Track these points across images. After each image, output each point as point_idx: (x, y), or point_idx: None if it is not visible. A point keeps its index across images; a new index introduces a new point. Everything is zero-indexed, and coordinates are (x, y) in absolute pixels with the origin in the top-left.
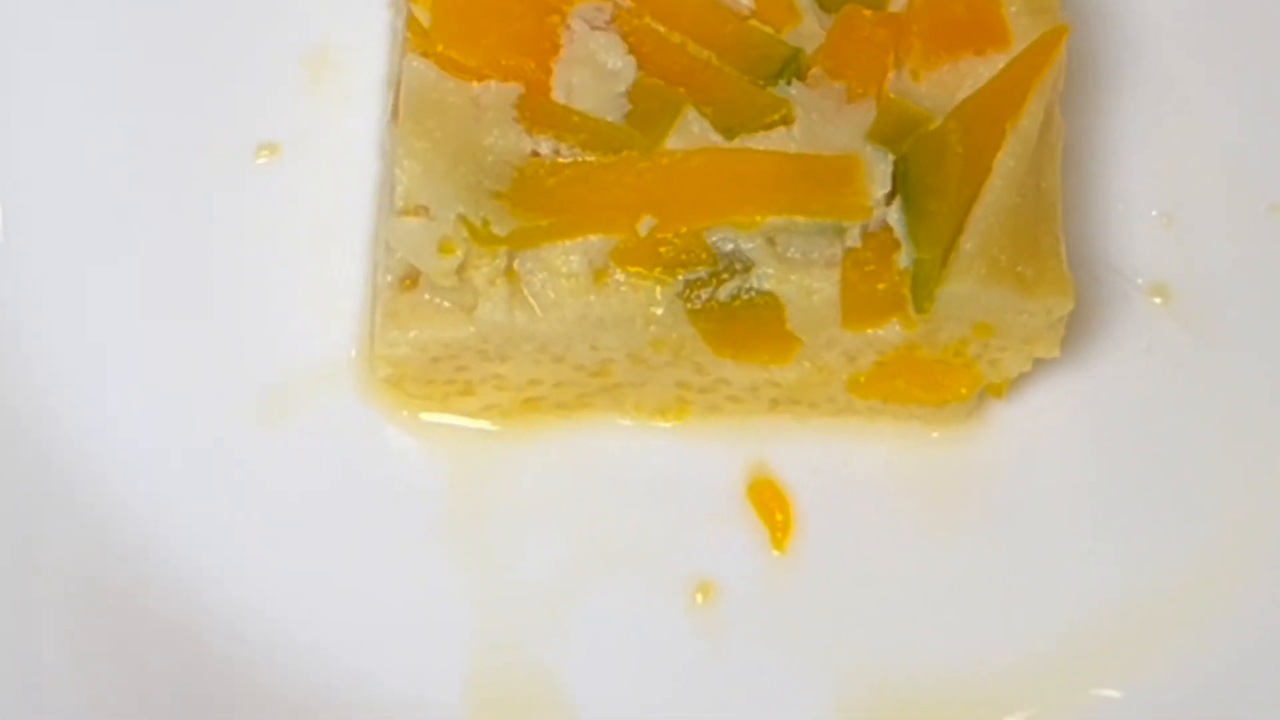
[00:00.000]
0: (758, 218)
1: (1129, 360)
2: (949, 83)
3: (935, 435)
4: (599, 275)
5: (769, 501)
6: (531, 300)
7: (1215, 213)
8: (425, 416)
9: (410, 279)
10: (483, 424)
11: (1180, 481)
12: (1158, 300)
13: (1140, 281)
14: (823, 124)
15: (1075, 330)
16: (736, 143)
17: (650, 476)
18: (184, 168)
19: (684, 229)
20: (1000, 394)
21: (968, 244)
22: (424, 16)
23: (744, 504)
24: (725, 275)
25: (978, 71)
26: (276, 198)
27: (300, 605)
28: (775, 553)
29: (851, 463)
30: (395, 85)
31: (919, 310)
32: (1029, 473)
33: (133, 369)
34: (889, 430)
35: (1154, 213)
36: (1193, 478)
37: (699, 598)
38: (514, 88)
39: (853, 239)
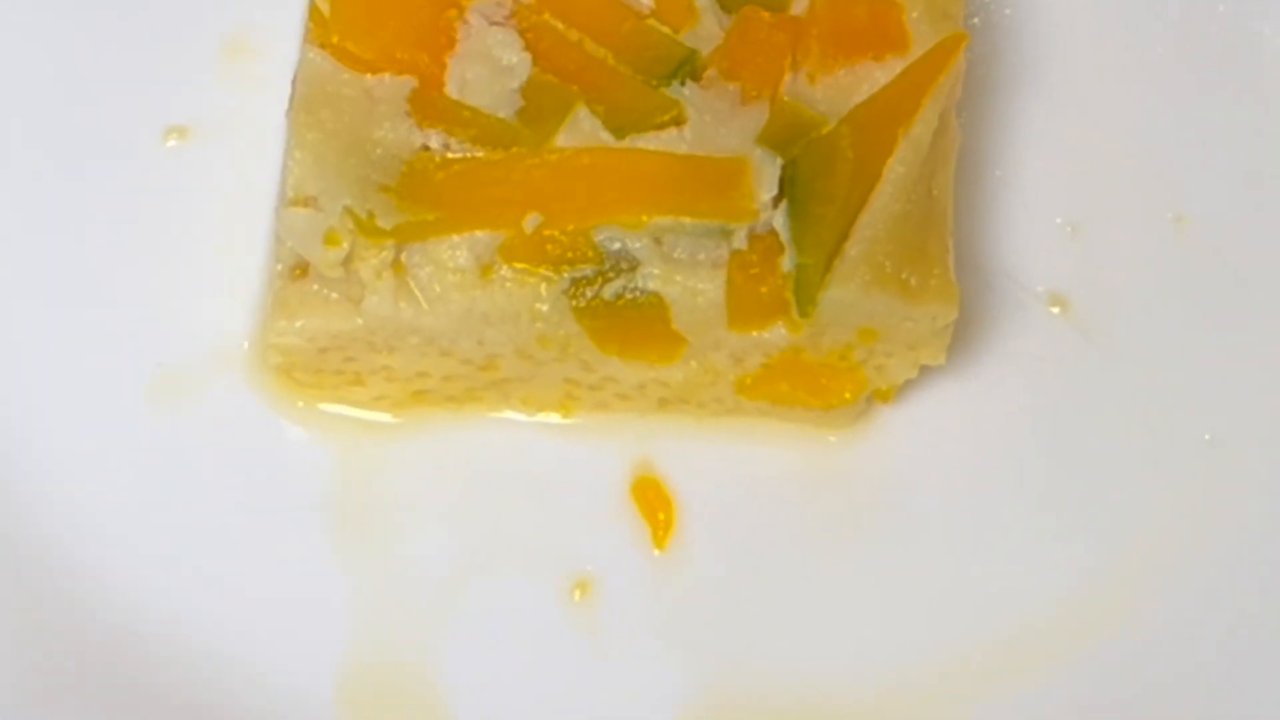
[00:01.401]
0: (644, 217)
1: (1022, 368)
2: (845, 87)
3: (823, 438)
4: (485, 271)
5: (652, 500)
6: (418, 293)
7: (1120, 222)
8: (324, 407)
9: (300, 269)
10: (373, 415)
11: (1068, 493)
12: (1055, 310)
13: (1040, 290)
14: (714, 126)
15: (968, 337)
16: (626, 142)
17: (536, 472)
18: (91, 147)
19: (571, 227)
20: (888, 399)
21: (852, 250)
22: (325, 7)
23: (628, 502)
24: (611, 274)
25: (875, 77)
26: (182, 182)
27: (178, 590)
28: (656, 551)
29: (737, 464)
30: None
31: (802, 314)
32: (915, 478)
33: (26, 347)
34: (776, 432)
35: (1058, 221)
36: (1081, 490)
37: (577, 594)
38: (407, 81)
39: (739, 241)
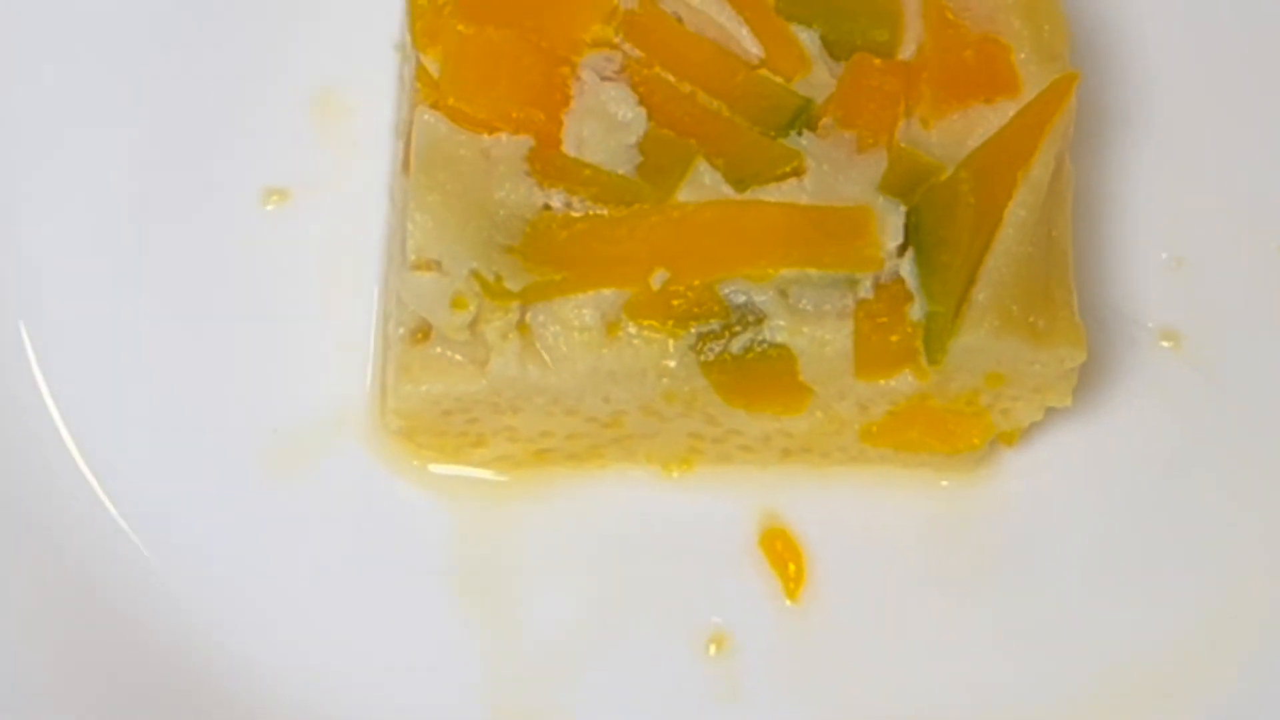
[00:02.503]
0: (770, 270)
1: (1139, 406)
2: (959, 131)
3: (947, 483)
4: (611, 328)
5: (781, 551)
6: (544, 353)
7: (1224, 255)
8: (435, 468)
9: (422, 332)
10: (493, 475)
11: (1193, 532)
12: (1167, 344)
13: (1150, 326)
14: (834, 175)
15: (1086, 376)
16: (748, 194)
17: (662, 527)
18: (192, 212)
19: (696, 282)
20: (1012, 442)
21: (980, 295)
22: (433, 66)
23: (756, 554)
24: (738, 328)
25: (988, 119)
26: (285, 243)
27: (307, 659)
28: (789, 603)
29: (864, 512)
30: (405, 135)
31: (932, 362)
32: (1041, 521)
33: (142, 416)
34: (901, 478)
35: (1163, 256)
36: (1205, 528)
37: (712, 649)
38: (525, 140)
39: (865, 290)
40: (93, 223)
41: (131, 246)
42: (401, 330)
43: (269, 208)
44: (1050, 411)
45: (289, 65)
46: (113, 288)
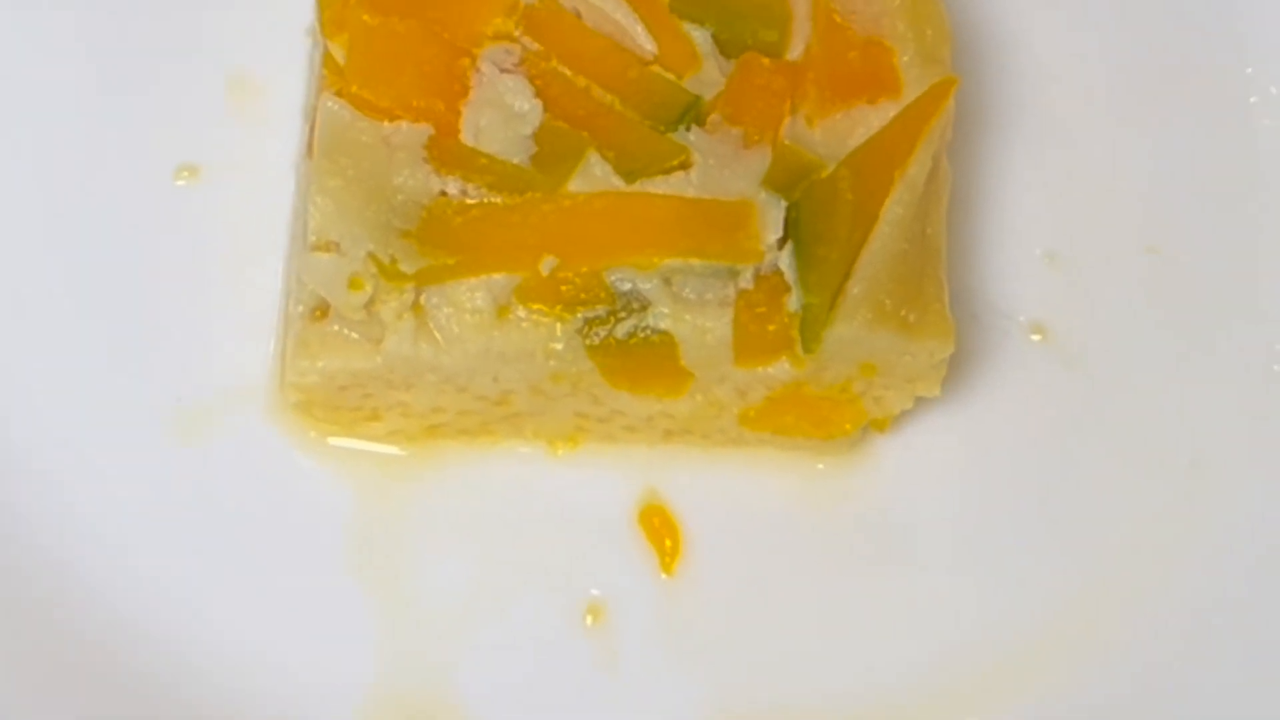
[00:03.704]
0: (656, 259)
1: (1008, 396)
2: (842, 130)
3: (821, 466)
4: (502, 311)
5: (659, 527)
6: (437, 334)
7: (1094, 253)
8: (333, 440)
9: (321, 309)
10: (388, 448)
11: (1056, 517)
12: (1036, 338)
13: (1021, 319)
14: (720, 170)
15: (957, 367)
16: (637, 186)
17: (547, 502)
18: (102, 186)
19: (585, 269)
20: (883, 428)
21: (855, 289)
22: (339, 54)
23: (635, 529)
24: (623, 314)
25: (870, 120)
26: (194, 219)
27: (203, 622)
28: (664, 576)
29: (740, 491)
30: (311, 118)
31: (807, 350)
32: (909, 503)
33: (46, 384)
34: (777, 461)
35: (1036, 252)
36: (1069, 513)
37: (590, 619)
38: (424, 129)
39: (745, 281)
40: (2, 191)
41: (42, 217)
42: (301, 308)
43: (180, 183)
44: (921, 400)
45: (204, 45)
46: (21, 255)
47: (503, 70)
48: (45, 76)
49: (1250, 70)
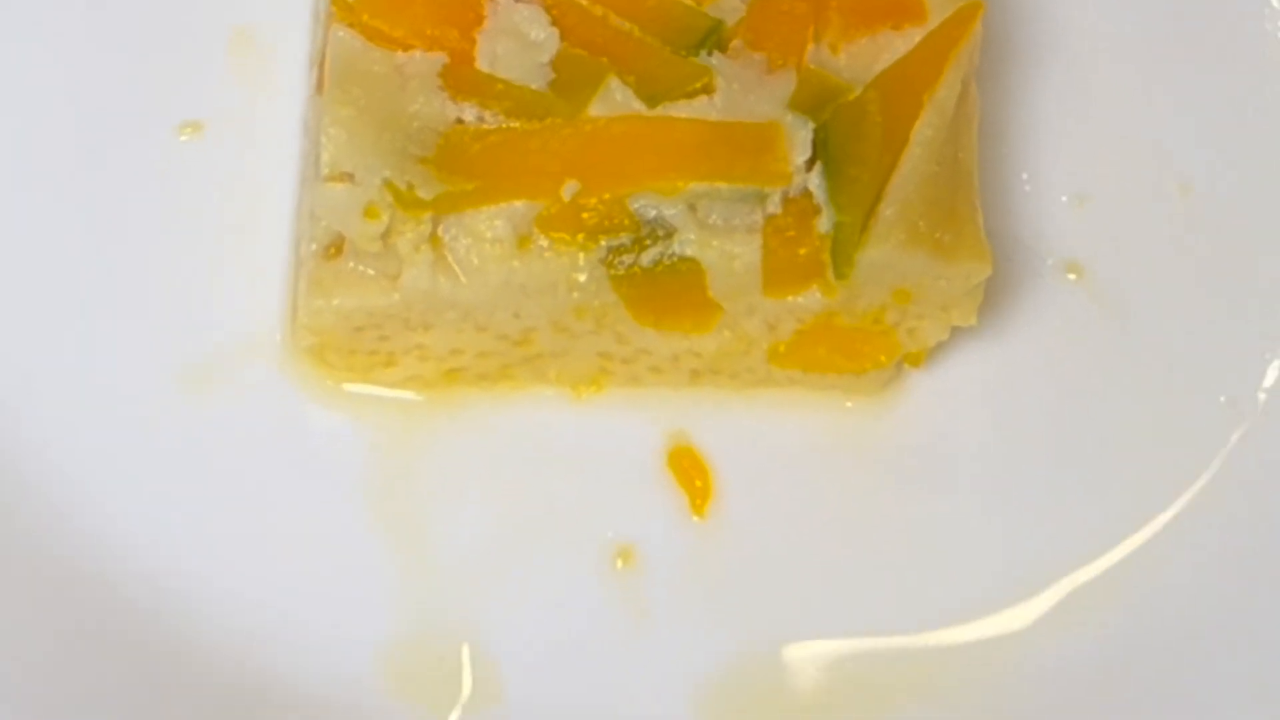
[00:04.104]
0: (680, 184)
1: (1043, 333)
2: (867, 56)
3: (852, 404)
4: (523, 241)
5: (689, 469)
6: (455, 266)
7: (1127, 193)
8: (348, 387)
9: (335, 247)
10: (405, 394)
11: (1091, 455)
12: (1072, 277)
13: (1052, 260)
14: (744, 93)
15: (990, 304)
16: (659, 110)
17: (572, 446)
18: (106, 144)
19: (607, 195)
20: (918, 363)
21: (887, 210)
22: None
23: (664, 473)
24: (648, 241)
25: (895, 46)
26: (199, 174)
27: (221, 575)
28: (695, 519)
29: (770, 432)
30: (319, 60)
31: (839, 276)
32: (944, 441)
33: (56, 343)
34: (808, 400)
35: (1068, 192)
36: (1104, 452)
37: (619, 563)
38: (439, 57)
39: (774, 205)
40: (7, 153)
41: (49, 176)
42: (314, 246)
43: (183, 139)
44: (956, 335)
45: (206, 1)
46: (29, 215)
47: (517, 0)
48: (46, 36)
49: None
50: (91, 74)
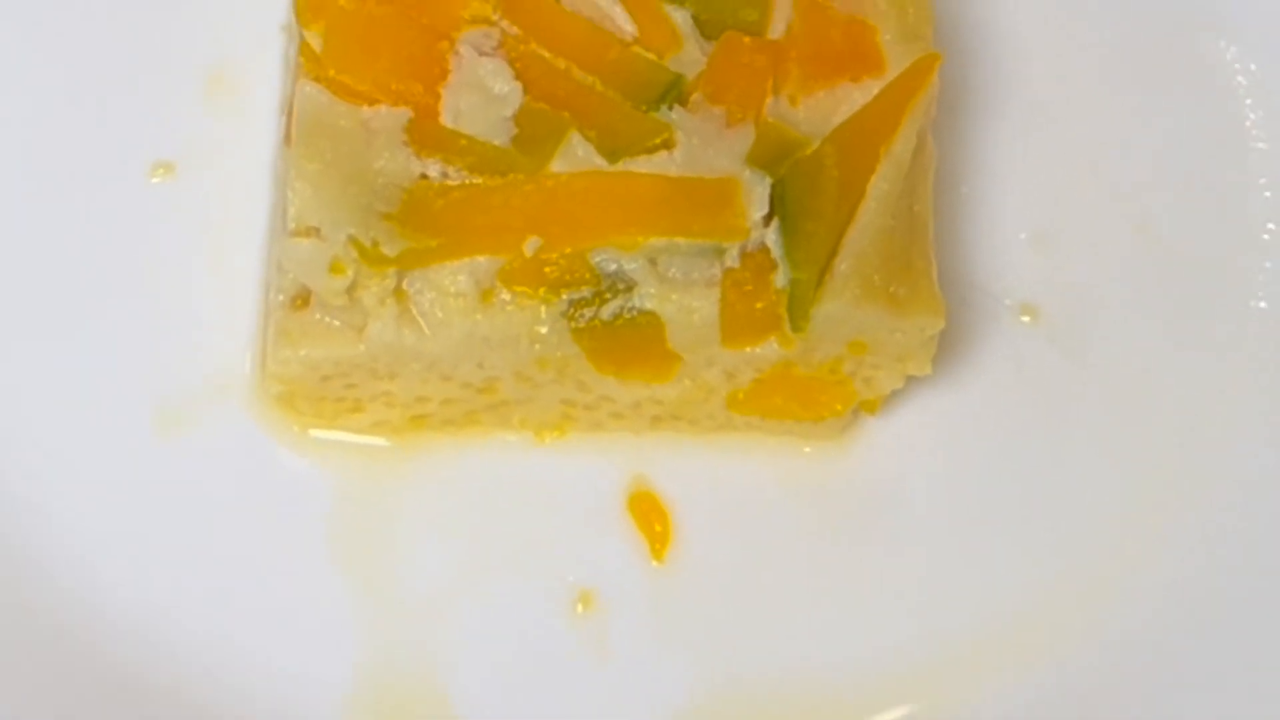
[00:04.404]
0: (640, 239)
1: (997, 378)
2: (825, 108)
3: (809, 450)
4: (486, 295)
5: (649, 514)
6: (420, 319)
7: (1083, 233)
8: (315, 433)
9: (302, 298)
10: (372, 440)
11: (1047, 498)
12: (1026, 319)
13: (1008, 302)
14: (703, 148)
15: (946, 349)
16: (619, 166)
17: (534, 490)
18: (80, 184)
19: (568, 250)
20: (874, 410)
21: (842, 265)
22: (316, 42)
23: (625, 517)
24: (608, 295)
25: (853, 98)
26: (171, 216)
27: (187, 617)
28: (654, 563)
29: (730, 477)
30: (288, 109)
31: (795, 329)
32: (899, 485)
33: (27, 380)
34: (766, 444)
35: (1024, 234)
36: (1059, 494)
37: (580, 607)
38: (403, 112)
39: (732, 259)
40: None
41: (20, 215)
42: (281, 297)
43: (155, 180)
44: (911, 381)
45: (179, 43)
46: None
47: (481, 54)
48: (19, 77)
49: (1235, 48)
50: (64, 113)
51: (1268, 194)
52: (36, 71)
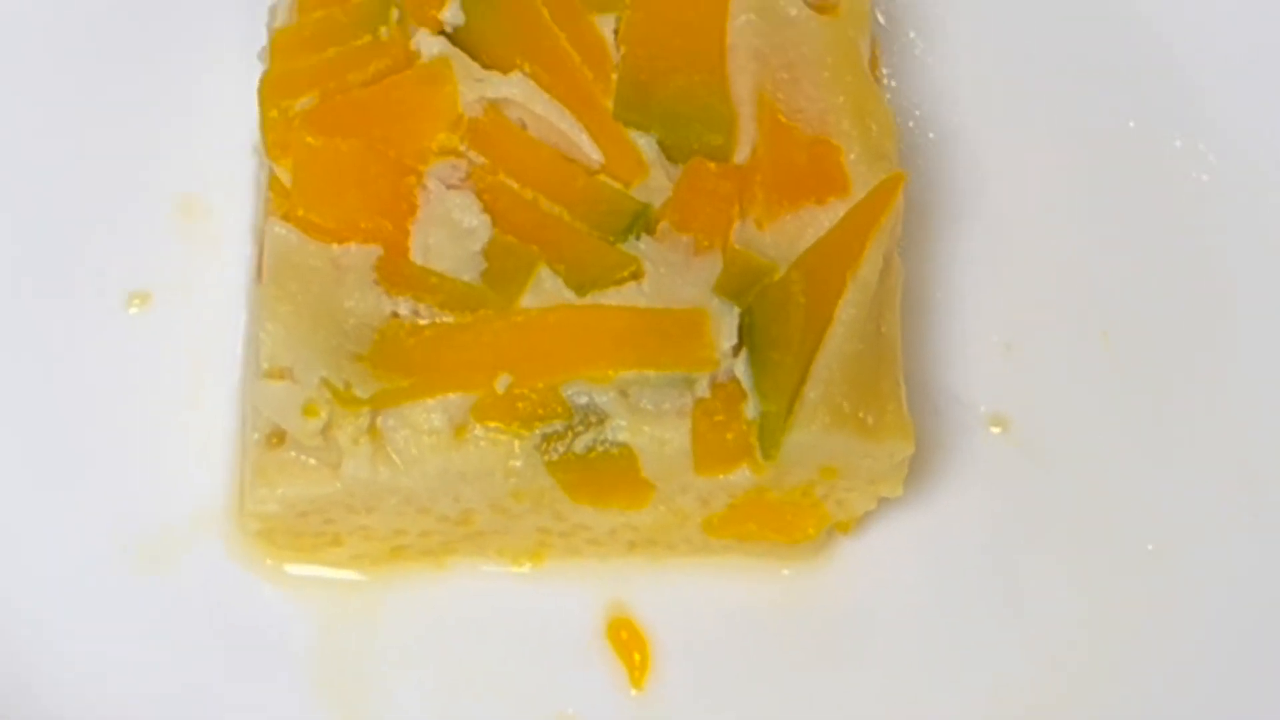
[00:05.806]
0: (610, 372)
1: (970, 491)
2: (791, 231)
3: (787, 571)
4: (459, 431)
5: (627, 641)
6: (395, 456)
7: (1050, 341)
8: (293, 568)
9: (277, 436)
10: (351, 573)
11: (1022, 610)
12: (996, 430)
13: (981, 410)
14: (671, 278)
15: (920, 463)
16: (588, 299)
17: (513, 620)
18: (56, 316)
19: (540, 384)
20: (848, 530)
21: (811, 393)
22: (285, 176)
23: (603, 644)
24: (581, 428)
25: (819, 220)
26: (148, 346)
27: None
28: (634, 691)
29: (707, 600)
30: (260, 241)
31: (766, 457)
32: (877, 604)
33: (1, 516)
34: (744, 567)
35: (994, 341)
36: (1034, 606)
37: None
38: (373, 249)
39: (702, 390)
40: None
41: None
42: (257, 435)
43: (132, 311)
44: (884, 500)
45: (150, 170)
46: None
47: (449, 186)
48: None
49: (1201, 147)
50: (39, 243)
51: (1232, 293)
52: (14, 201)
